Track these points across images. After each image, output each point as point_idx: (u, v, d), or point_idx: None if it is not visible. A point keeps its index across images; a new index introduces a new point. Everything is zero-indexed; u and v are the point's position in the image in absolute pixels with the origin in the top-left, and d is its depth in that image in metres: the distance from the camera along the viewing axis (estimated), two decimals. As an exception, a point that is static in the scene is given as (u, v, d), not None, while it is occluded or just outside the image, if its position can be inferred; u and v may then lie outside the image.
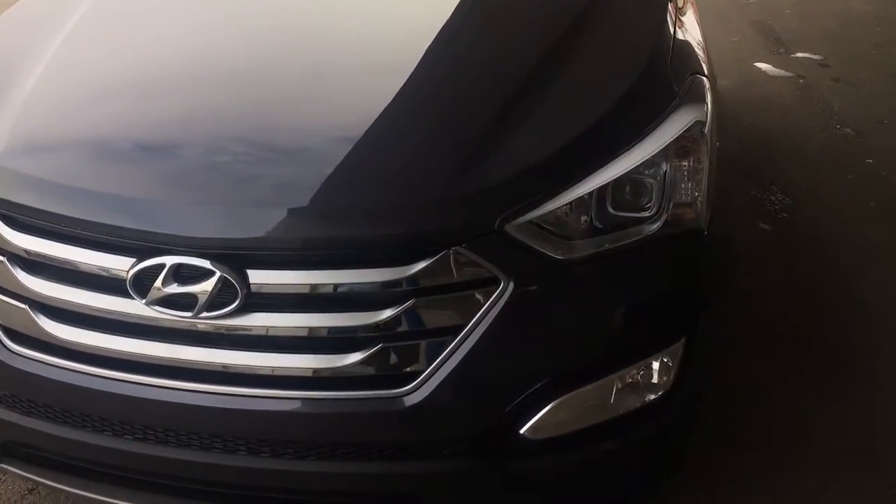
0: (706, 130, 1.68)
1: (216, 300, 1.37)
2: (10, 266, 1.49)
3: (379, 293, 1.39)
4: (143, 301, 1.39)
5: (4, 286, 1.51)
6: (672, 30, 1.90)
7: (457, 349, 1.41)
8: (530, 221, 1.43)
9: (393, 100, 1.57)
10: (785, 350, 2.53)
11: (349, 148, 1.48)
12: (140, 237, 1.40)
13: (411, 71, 1.65)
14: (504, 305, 1.41)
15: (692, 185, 1.60)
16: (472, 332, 1.41)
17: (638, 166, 1.52)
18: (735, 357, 2.37)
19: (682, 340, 1.57)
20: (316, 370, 1.41)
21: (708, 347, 1.68)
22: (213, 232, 1.39)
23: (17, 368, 1.51)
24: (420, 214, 1.40)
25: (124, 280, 1.39)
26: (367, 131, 1.51)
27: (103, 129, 1.63)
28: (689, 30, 2.07)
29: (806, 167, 3.64)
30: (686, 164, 1.60)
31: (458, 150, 1.48)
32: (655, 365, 1.56)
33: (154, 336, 1.44)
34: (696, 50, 1.98)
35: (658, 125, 1.58)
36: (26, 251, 1.48)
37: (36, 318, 1.48)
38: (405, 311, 1.39)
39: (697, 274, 1.61)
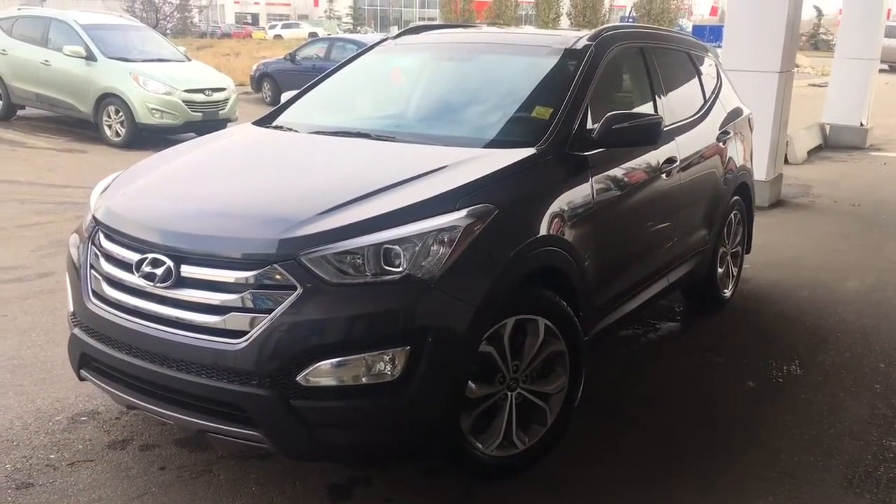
0: (475, 231, 2.76)
1: (165, 278, 2.74)
2: (101, 258, 2.99)
3: (234, 285, 2.66)
4: (138, 275, 2.79)
5: (96, 267, 3.00)
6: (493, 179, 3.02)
7: (268, 322, 2.59)
8: (320, 257, 2.61)
9: (290, 188, 3.06)
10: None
11: (243, 205, 2.90)
12: (143, 243, 2.84)
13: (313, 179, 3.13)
14: (294, 302, 2.59)
15: (438, 259, 2.66)
16: (277, 314, 2.59)
17: (395, 240, 2.64)
18: None
19: (408, 348, 2.59)
20: (203, 322, 2.68)
21: (446, 365, 2.67)
22: (168, 242, 2.78)
23: (91, 311, 2.96)
24: (258, 245, 2.67)
25: (132, 264, 2.82)
26: (257, 201, 2.93)
27: (150, 200, 3.16)
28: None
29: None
30: (438, 248, 2.68)
31: (293, 216, 2.75)
32: (386, 357, 2.58)
33: (137, 295, 2.82)
34: (507, 188, 3.04)
35: (421, 220, 2.70)
36: (107, 249, 2.97)
37: (102, 284, 2.95)
38: (244, 296, 2.63)
39: (417, 309, 2.62)
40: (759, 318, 5.22)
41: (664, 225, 4.21)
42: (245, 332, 2.62)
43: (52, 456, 3.19)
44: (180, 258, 2.75)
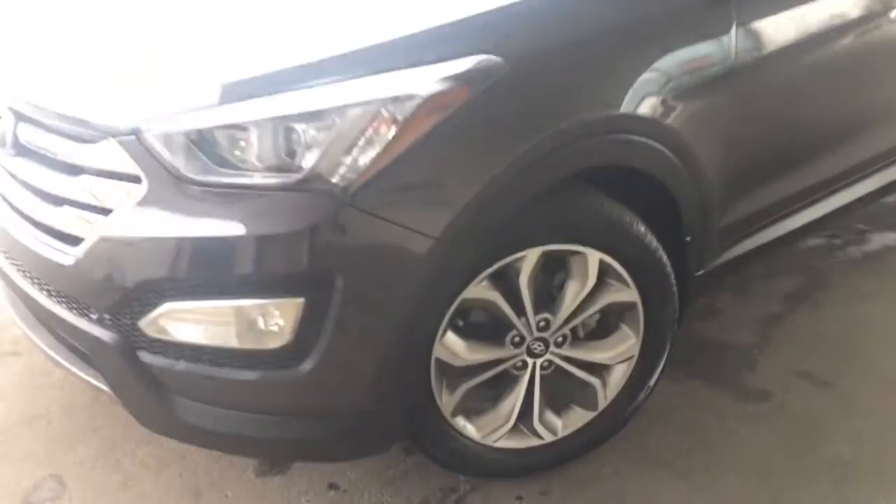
0: (453, 105, 1.55)
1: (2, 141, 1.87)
2: None
3: (67, 163, 1.71)
4: None
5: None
6: None
7: (104, 228, 1.63)
8: (178, 133, 1.56)
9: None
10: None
11: (92, 63, 1.90)
12: None
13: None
14: (138, 202, 1.58)
15: (374, 153, 1.51)
16: (113, 219, 1.62)
17: (301, 114, 1.52)
18: None
19: (301, 300, 1.53)
20: (39, 214, 1.79)
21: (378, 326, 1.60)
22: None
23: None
24: (94, 107, 1.68)
25: None
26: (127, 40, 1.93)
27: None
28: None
29: None
30: (375, 132, 1.51)
31: (152, 63, 1.71)
32: (273, 310, 1.55)
33: None
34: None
35: (356, 79, 1.54)
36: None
37: None
38: (78, 182, 1.68)
39: (320, 237, 1.51)
40: None
41: (879, 95, 2.62)
42: (80, 239, 1.68)
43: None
44: (17, 115, 1.84)
